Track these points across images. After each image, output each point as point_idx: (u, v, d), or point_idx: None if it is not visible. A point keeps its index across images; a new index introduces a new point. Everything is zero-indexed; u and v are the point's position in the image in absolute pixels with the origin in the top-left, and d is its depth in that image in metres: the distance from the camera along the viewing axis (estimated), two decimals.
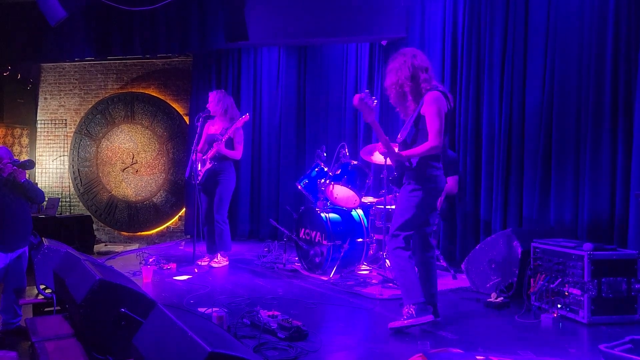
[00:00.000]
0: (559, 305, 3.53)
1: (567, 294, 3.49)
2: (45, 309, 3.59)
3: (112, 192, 8.24)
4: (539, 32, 4.97)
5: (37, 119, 8.60)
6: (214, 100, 5.20)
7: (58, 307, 3.44)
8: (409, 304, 3.19)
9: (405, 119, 3.43)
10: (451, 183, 4.97)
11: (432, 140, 3.17)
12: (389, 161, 4.59)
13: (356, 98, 3.14)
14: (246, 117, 5.13)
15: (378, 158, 4.97)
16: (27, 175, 3.72)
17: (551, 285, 3.58)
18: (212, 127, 5.31)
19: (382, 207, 4.94)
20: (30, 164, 3.60)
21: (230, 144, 5.19)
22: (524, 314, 3.56)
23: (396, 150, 3.35)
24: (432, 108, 3.18)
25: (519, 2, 5.11)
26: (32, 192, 3.66)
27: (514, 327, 3.38)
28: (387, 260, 4.76)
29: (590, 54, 4.59)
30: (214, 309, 3.25)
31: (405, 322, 3.14)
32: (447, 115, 3.25)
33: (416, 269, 3.34)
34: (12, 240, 3.54)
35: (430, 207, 3.32)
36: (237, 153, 5.24)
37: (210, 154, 5.16)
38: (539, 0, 4.98)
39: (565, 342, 3.09)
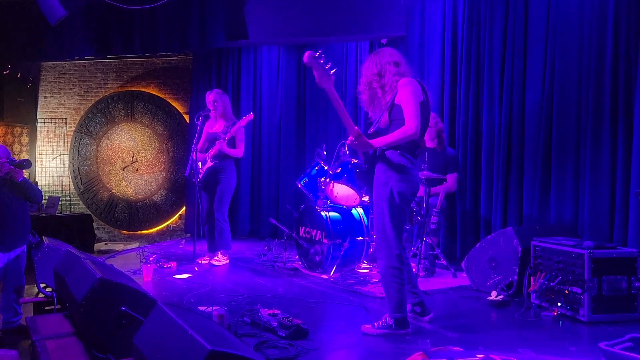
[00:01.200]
0: (559, 304, 3.53)
1: (567, 292, 3.49)
2: (46, 308, 3.60)
3: (112, 191, 8.24)
4: (539, 31, 4.97)
5: (37, 117, 8.61)
6: (211, 100, 5.20)
7: (58, 306, 3.44)
8: (390, 315, 3.09)
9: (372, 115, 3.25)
10: (451, 181, 4.97)
11: (408, 124, 2.93)
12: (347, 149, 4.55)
13: (307, 54, 2.84)
14: (250, 116, 5.14)
15: None
16: (27, 175, 3.71)
17: (551, 284, 3.58)
18: (213, 126, 5.31)
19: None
20: (27, 164, 3.59)
21: (232, 142, 5.19)
22: (524, 313, 3.57)
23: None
24: (405, 91, 2.99)
25: (519, 1, 5.11)
26: (30, 191, 3.65)
27: (514, 326, 3.38)
28: None
29: (590, 53, 4.59)
30: (215, 308, 3.25)
31: (379, 331, 3.08)
32: (422, 105, 3.02)
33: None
34: (10, 240, 3.54)
35: (407, 201, 3.09)
36: (239, 151, 5.24)
37: (212, 152, 5.16)
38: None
39: (565, 341, 3.09)
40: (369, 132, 3.18)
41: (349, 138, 3.03)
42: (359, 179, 3.25)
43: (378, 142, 3.02)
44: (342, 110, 3.03)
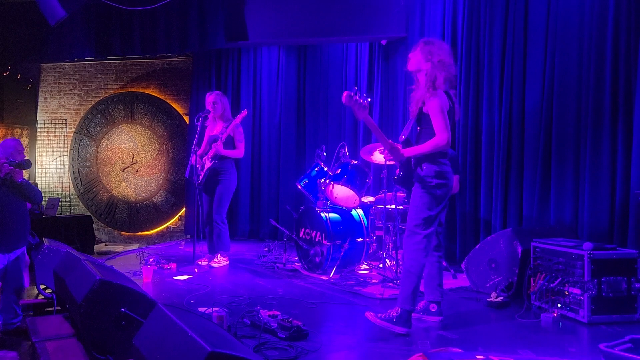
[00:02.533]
0: (559, 305, 3.53)
1: (567, 293, 3.49)
2: (46, 309, 3.59)
3: (112, 192, 8.24)
4: (539, 31, 4.97)
5: (37, 119, 8.60)
6: (211, 101, 5.20)
7: (58, 307, 3.44)
8: (399, 305, 3.16)
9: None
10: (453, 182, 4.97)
11: (439, 136, 3.14)
12: (383, 157, 4.62)
13: (345, 95, 3.06)
14: (244, 112, 5.14)
15: (378, 158, 4.97)
16: (27, 176, 3.71)
17: (551, 285, 3.58)
18: (213, 128, 5.31)
19: (382, 206, 4.95)
20: (27, 164, 3.59)
21: (231, 143, 5.19)
22: (524, 314, 3.57)
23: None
24: (434, 104, 3.15)
25: (519, 2, 5.11)
26: (30, 192, 3.65)
27: (514, 327, 3.38)
28: (387, 260, 4.77)
29: (590, 54, 4.60)
30: (214, 309, 3.25)
31: (382, 322, 3.12)
32: (449, 113, 3.21)
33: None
34: (10, 241, 3.54)
35: (441, 203, 3.27)
36: (239, 151, 5.24)
37: (210, 153, 5.16)
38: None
39: (565, 342, 3.09)
40: (400, 141, 3.35)
41: (382, 149, 3.24)
42: (398, 184, 3.41)
43: (410, 151, 3.23)
44: (377, 131, 3.24)
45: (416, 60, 3.28)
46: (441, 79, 3.21)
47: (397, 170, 3.36)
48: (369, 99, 3.14)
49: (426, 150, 3.18)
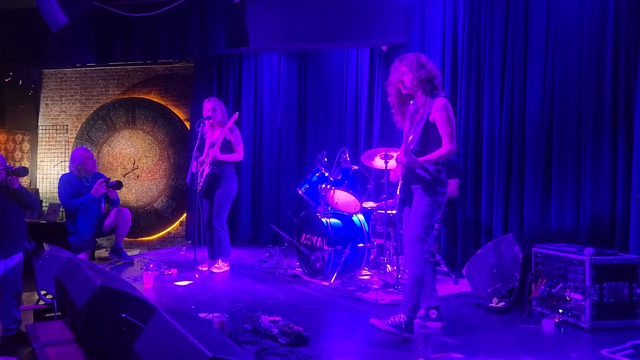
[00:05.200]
0: (560, 310, 3.52)
1: (568, 299, 3.49)
2: (46, 315, 3.59)
3: None
4: (539, 36, 4.99)
5: (39, 124, 8.62)
6: (209, 108, 5.21)
7: (59, 313, 3.44)
8: (405, 312, 3.16)
9: (401, 126, 3.45)
10: (452, 186, 4.97)
11: (448, 145, 3.21)
12: (389, 165, 4.63)
13: (412, 107, 3.26)
14: (235, 115, 5.14)
15: (379, 163, 4.97)
16: (28, 182, 3.72)
17: (552, 290, 3.57)
18: (212, 134, 5.32)
19: (383, 212, 4.95)
20: (23, 171, 3.59)
21: (229, 146, 5.19)
22: (525, 319, 3.56)
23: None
24: (442, 114, 3.21)
25: (519, 7, 5.13)
26: (27, 198, 3.65)
27: (516, 332, 3.37)
28: (388, 266, 4.76)
29: (590, 59, 4.61)
30: (215, 315, 3.25)
31: (388, 328, 3.12)
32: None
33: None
34: (7, 246, 3.54)
35: (441, 209, 3.37)
36: (238, 155, 5.24)
37: (209, 159, 5.17)
38: (538, 4, 5.00)
39: (567, 347, 3.08)
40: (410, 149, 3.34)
41: (400, 155, 3.26)
42: (402, 203, 3.46)
43: (423, 159, 3.25)
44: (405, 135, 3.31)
45: (409, 78, 3.32)
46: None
47: (400, 186, 3.40)
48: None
49: (436, 157, 3.24)
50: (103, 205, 5.71)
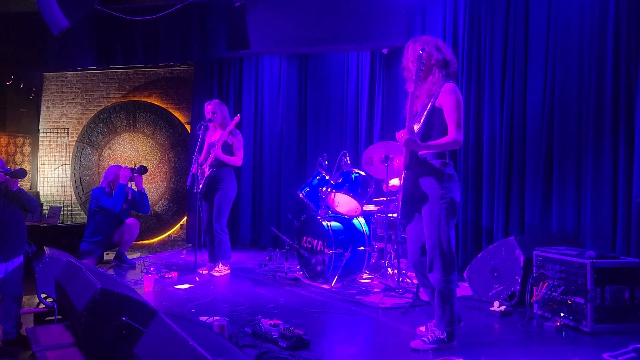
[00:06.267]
0: (562, 314, 3.51)
1: (570, 302, 3.48)
2: (46, 318, 3.59)
3: None
4: (540, 40, 4.99)
5: (40, 127, 8.63)
6: (210, 110, 5.22)
7: (59, 317, 3.44)
8: (444, 329, 3.01)
9: (410, 109, 3.06)
10: None
11: (454, 132, 2.92)
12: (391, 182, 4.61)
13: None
14: (237, 118, 5.14)
15: (394, 182, 4.97)
16: (28, 185, 3.73)
17: (554, 294, 3.56)
18: (212, 136, 5.33)
19: (384, 215, 4.94)
20: (22, 173, 3.60)
21: (229, 150, 5.19)
22: (527, 323, 3.55)
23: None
24: (451, 98, 2.95)
25: (519, 10, 5.13)
26: (26, 200, 3.65)
27: (517, 336, 3.36)
28: (389, 269, 4.76)
29: (590, 62, 4.61)
30: (216, 318, 3.24)
31: (433, 346, 2.98)
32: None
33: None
34: (8, 249, 3.54)
35: (459, 209, 3.10)
36: (237, 159, 5.24)
37: (210, 160, 5.17)
38: (539, 7, 5.01)
39: (568, 351, 3.07)
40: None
41: (402, 133, 2.96)
42: (405, 186, 3.09)
43: (426, 144, 2.96)
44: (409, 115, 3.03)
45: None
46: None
47: (403, 178, 3.09)
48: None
49: (441, 144, 2.96)
50: (120, 205, 5.68)
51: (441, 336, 3.00)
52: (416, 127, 3.04)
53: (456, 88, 3.01)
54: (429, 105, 3.01)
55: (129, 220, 5.90)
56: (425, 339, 3.02)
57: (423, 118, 3.02)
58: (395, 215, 4.63)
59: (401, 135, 2.96)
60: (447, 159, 3.04)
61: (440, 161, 3.02)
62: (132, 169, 5.78)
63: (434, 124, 3.01)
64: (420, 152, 3.03)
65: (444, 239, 2.97)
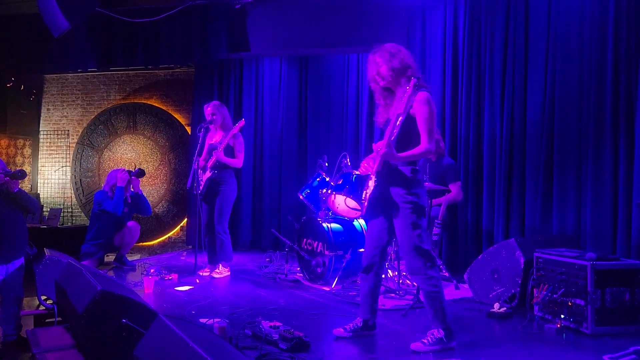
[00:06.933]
0: (562, 316, 3.51)
1: (570, 304, 3.47)
2: (47, 320, 3.59)
3: None
4: (540, 41, 5.00)
5: (40, 129, 8.64)
6: (210, 112, 5.22)
7: (59, 318, 3.43)
8: (440, 327, 3.03)
9: (381, 120, 3.22)
10: (455, 190, 4.95)
11: (426, 143, 3.01)
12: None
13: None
14: (242, 122, 5.15)
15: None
16: (28, 186, 3.73)
17: (554, 296, 3.56)
18: (213, 137, 5.33)
19: None
20: (22, 174, 3.60)
21: (230, 152, 5.19)
22: (527, 325, 3.54)
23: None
24: (424, 109, 3.01)
25: (519, 13, 5.14)
26: (26, 202, 3.66)
27: (517, 338, 3.36)
28: (390, 271, 4.75)
29: (590, 64, 4.62)
30: (216, 320, 3.24)
31: (434, 347, 2.98)
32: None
33: (372, 282, 3.24)
34: (9, 251, 3.54)
35: (427, 213, 3.19)
36: (238, 161, 5.24)
37: (211, 162, 5.17)
38: (539, 10, 5.02)
39: (569, 353, 3.07)
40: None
41: (380, 144, 3.03)
42: (376, 192, 3.15)
43: (402, 155, 3.03)
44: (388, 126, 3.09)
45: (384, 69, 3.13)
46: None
47: (373, 184, 3.15)
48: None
49: (414, 154, 3.05)
50: (121, 208, 5.69)
51: (439, 335, 3.00)
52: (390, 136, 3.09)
53: (430, 98, 3.06)
54: (404, 114, 3.04)
55: (130, 223, 5.91)
56: (425, 340, 3.02)
57: (398, 127, 3.05)
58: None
59: (379, 147, 3.03)
60: (417, 165, 3.12)
61: (411, 168, 3.10)
62: (129, 172, 5.78)
63: (410, 133, 3.07)
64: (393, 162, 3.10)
65: (417, 241, 3.05)
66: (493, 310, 3.83)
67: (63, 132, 8.58)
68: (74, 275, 2.88)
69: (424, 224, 3.09)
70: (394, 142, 3.03)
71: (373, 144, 3.14)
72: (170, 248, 7.97)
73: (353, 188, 4.79)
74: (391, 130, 3.03)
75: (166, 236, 8.11)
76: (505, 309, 3.80)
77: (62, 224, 7.81)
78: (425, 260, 3.05)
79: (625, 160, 4.36)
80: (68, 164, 8.51)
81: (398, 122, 3.03)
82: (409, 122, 3.05)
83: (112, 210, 5.60)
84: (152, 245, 8.11)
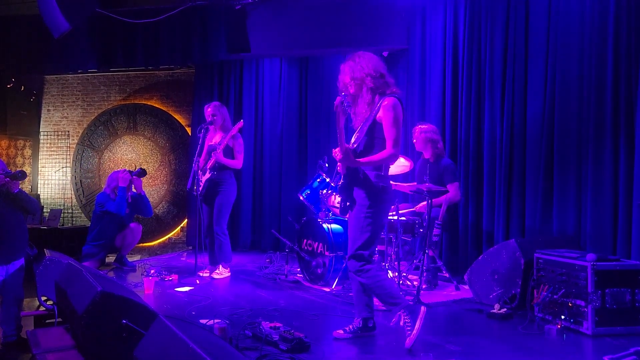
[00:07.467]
0: (562, 317, 3.51)
1: (570, 305, 3.47)
2: (47, 321, 3.58)
3: None
4: (540, 42, 5.00)
5: (40, 130, 8.64)
6: (210, 113, 5.22)
7: (59, 319, 3.43)
8: (400, 311, 3.11)
9: (356, 125, 3.29)
10: (452, 190, 4.94)
11: (391, 148, 3.07)
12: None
13: (338, 100, 3.10)
14: (240, 123, 5.15)
15: None
16: (29, 187, 3.73)
17: (555, 296, 3.56)
18: (213, 138, 5.33)
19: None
20: (22, 175, 3.60)
21: (230, 153, 5.19)
22: (527, 326, 3.54)
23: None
24: (389, 115, 3.07)
25: (519, 14, 5.15)
26: (26, 202, 3.65)
27: (518, 339, 3.35)
28: (390, 272, 4.75)
29: (590, 65, 4.62)
30: (216, 321, 3.24)
31: (415, 332, 3.02)
32: (403, 122, 3.17)
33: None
34: (9, 252, 3.54)
35: (385, 219, 3.26)
36: (238, 162, 5.24)
37: (210, 163, 5.17)
38: (539, 12, 5.02)
39: (569, 354, 3.07)
40: (353, 147, 3.23)
41: (336, 151, 3.17)
42: (341, 193, 3.29)
43: (362, 161, 3.13)
44: (340, 132, 3.17)
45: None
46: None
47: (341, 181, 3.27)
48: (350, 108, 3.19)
49: (377, 160, 3.11)
50: (124, 208, 5.69)
51: (407, 318, 3.08)
52: (356, 140, 3.22)
53: (396, 103, 3.11)
54: (370, 120, 3.14)
55: (133, 224, 5.91)
56: (406, 330, 3.06)
57: (364, 132, 3.16)
58: (396, 217, 4.62)
59: (336, 153, 3.14)
60: (383, 171, 3.16)
61: (376, 173, 3.15)
62: (130, 172, 5.79)
63: (375, 138, 3.14)
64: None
65: (358, 244, 3.15)
66: (493, 311, 3.82)
67: (63, 133, 8.58)
68: (74, 276, 2.88)
69: (377, 230, 3.17)
70: (361, 145, 3.14)
71: (333, 149, 3.24)
72: (170, 249, 7.96)
73: None
74: (356, 136, 3.19)
75: (166, 237, 8.11)
76: (505, 309, 3.80)
77: (62, 225, 7.81)
78: (362, 263, 3.17)
79: (625, 160, 4.36)
80: (68, 164, 8.52)
81: (364, 128, 3.15)
82: (375, 127, 3.13)
83: (115, 211, 5.60)
84: (153, 246, 8.11)
